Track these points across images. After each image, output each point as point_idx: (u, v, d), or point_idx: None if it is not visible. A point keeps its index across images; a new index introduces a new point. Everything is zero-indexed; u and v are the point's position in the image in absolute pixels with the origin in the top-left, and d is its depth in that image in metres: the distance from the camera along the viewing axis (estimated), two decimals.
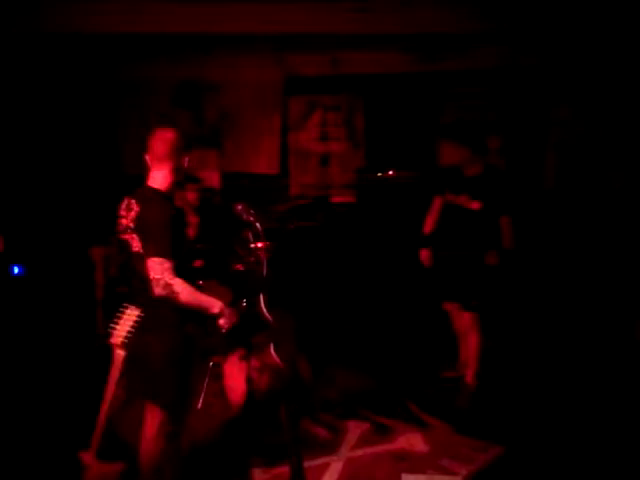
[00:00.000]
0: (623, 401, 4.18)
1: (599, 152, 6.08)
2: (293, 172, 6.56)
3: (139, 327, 2.84)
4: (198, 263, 4.36)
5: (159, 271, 2.62)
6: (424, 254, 4.57)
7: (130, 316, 2.83)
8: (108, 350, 5.11)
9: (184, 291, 2.67)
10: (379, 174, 6.25)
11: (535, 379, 4.65)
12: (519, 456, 3.56)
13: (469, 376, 4.44)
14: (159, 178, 2.84)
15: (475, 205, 4.26)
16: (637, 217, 5.61)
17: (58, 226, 5.52)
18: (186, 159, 2.88)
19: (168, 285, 2.62)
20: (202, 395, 4.12)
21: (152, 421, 2.87)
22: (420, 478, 3.35)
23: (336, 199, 6.47)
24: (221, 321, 2.82)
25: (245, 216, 3.25)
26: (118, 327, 2.85)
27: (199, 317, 2.84)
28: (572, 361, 4.94)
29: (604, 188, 6.02)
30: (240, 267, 4.45)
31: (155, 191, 2.81)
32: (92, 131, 6.09)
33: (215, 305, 2.81)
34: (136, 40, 5.72)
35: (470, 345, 4.43)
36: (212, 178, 6.30)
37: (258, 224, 3.24)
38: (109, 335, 2.87)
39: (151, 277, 2.63)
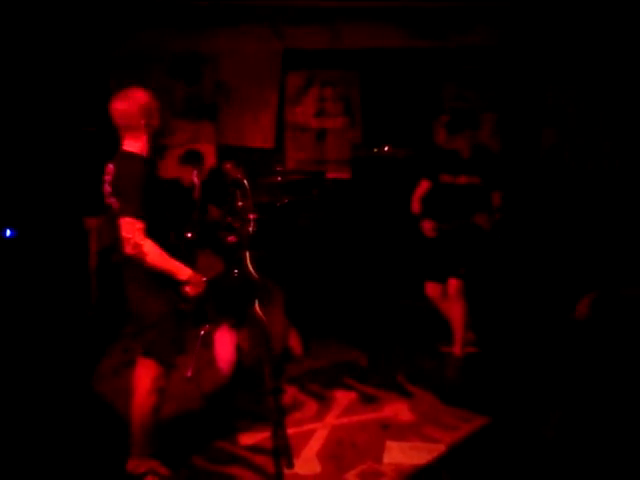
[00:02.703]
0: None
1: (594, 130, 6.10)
2: (289, 147, 6.54)
3: (132, 284, 2.91)
4: (190, 234, 4.37)
5: (130, 231, 2.68)
6: (427, 225, 4.48)
7: None
8: (100, 317, 5.18)
9: (152, 253, 2.72)
10: (375, 150, 6.23)
11: (523, 350, 4.67)
12: (503, 426, 3.60)
13: (456, 348, 4.48)
14: (132, 141, 2.87)
15: (475, 180, 4.35)
16: (631, 193, 5.63)
17: (53, 194, 5.51)
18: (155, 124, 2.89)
19: (138, 245, 2.68)
20: (193, 363, 4.17)
21: (146, 377, 2.94)
22: (403, 445, 3.41)
23: (331, 174, 6.45)
24: (187, 288, 2.84)
25: (233, 173, 3.26)
26: None
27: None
28: (556, 332, 4.94)
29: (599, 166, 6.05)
30: (233, 239, 4.48)
31: (128, 153, 2.85)
32: (89, 101, 6.04)
33: (183, 272, 2.83)
34: (133, 10, 5.70)
35: (455, 316, 4.45)
36: (207, 151, 6.28)
37: (246, 181, 3.23)
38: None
39: (123, 236, 2.70)
